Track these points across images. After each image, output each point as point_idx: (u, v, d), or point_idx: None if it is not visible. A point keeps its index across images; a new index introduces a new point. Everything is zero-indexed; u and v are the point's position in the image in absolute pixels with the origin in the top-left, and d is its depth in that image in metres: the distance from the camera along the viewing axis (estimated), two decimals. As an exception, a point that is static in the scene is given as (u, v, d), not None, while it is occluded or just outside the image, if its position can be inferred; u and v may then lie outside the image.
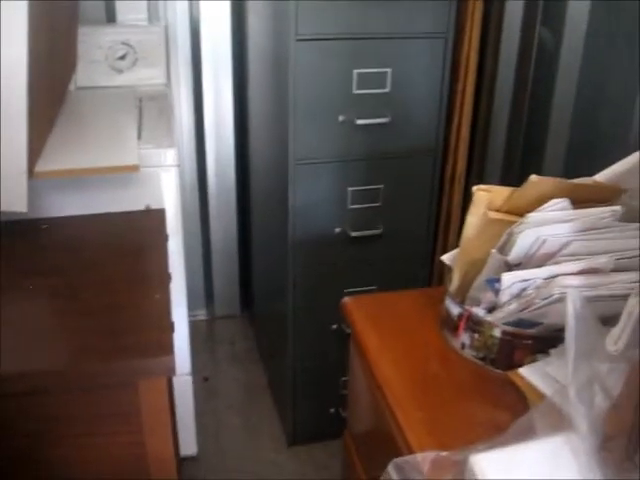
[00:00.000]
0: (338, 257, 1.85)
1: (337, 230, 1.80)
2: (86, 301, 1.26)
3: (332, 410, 2.00)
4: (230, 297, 2.53)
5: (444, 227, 1.98)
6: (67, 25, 1.82)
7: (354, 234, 1.80)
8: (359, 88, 1.68)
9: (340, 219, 1.80)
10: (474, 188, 1.00)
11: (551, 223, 0.93)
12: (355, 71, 1.66)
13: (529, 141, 1.85)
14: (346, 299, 1.20)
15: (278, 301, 1.99)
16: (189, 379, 1.83)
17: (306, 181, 1.74)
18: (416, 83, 1.73)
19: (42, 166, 1.45)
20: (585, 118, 1.65)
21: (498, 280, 0.95)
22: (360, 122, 1.69)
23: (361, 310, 1.16)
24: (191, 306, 1.91)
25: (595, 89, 1.60)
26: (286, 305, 1.87)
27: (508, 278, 0.93)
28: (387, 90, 1.70)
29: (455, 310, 1.05)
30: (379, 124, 1.71)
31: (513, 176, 1.89)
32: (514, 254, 0.95)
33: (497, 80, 1.88)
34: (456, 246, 1.31)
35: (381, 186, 1.79)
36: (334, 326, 1.89)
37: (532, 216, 0.94)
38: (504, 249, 0.97)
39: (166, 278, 1.37)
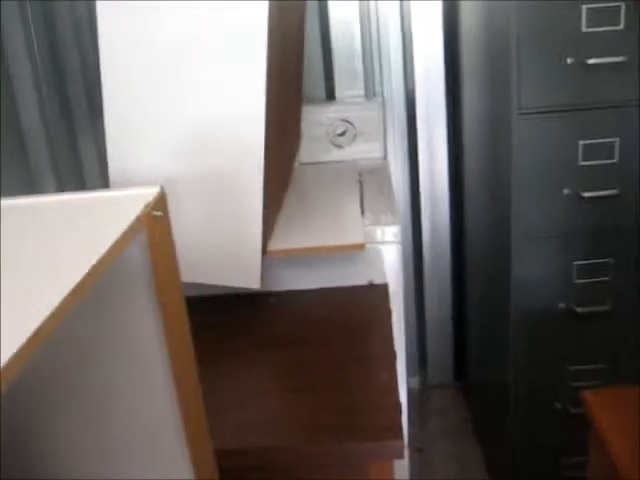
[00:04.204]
0: (562, 333, 1.76)
1: (561, 306, 1.73)
2: (315, 377, 1.29)
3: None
4: (444, 365, 2.50)
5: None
6: (294, 103, 1.94)
7: (580, 310, 1.72)
8: (585, 159, 1.62)
9: (565, 294, 1.72)
10: None
11: None
12: (581, 142, 1.61)
13: None
14: (587, 394, 1.14)
15: (497, 376, 1.94)
16: (406, 452, 1.82)
17: (528, 255, 1.69)
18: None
19: (274, 245, 1.54)
20: None
21: None
22: (587, 195, 1.63)
23: (604, 407, 1.09)
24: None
25: None
26: (506, 382, 1.81)
27: None
28: (615, 161, 1.62)
29: None
30: (606, 196, 1.64)
31: None
32: None
33: None
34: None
35: (610, 259, 1.70)
36: (558, 405, 1.80)
37: None
38: None
39: (392, 357, 1.38)
